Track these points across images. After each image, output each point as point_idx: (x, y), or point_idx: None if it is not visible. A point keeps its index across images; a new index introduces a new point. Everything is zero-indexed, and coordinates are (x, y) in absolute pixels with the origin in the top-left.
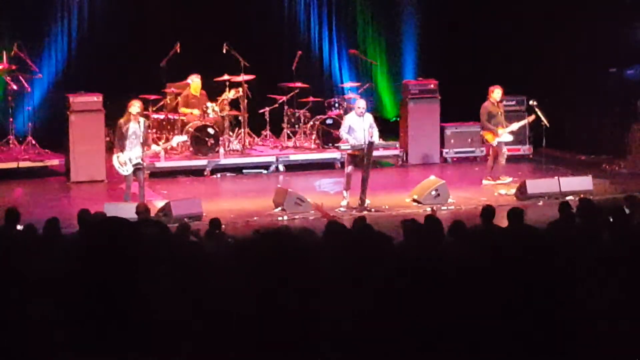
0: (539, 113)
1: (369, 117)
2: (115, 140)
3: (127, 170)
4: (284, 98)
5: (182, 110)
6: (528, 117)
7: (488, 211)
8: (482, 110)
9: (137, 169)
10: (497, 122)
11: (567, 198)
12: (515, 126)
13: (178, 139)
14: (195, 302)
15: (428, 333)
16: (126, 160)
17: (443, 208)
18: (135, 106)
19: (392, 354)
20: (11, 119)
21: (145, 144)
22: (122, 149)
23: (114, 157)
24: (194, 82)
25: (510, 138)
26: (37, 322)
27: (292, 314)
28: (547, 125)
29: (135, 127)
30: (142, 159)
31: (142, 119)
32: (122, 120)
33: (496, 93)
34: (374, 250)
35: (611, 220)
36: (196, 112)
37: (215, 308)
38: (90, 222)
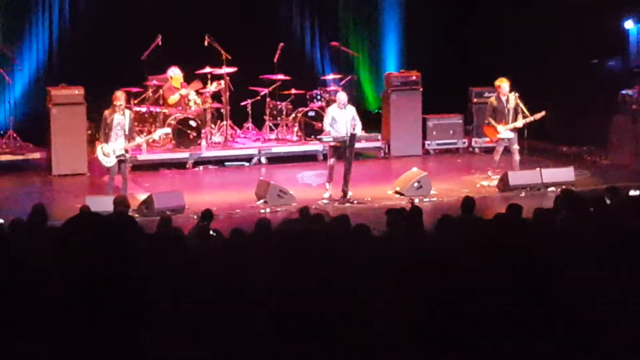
0: (522, 106)
1: (351, 109)
2: (100, 131)
3: (110, 161)
4: (266, 90)
5: (172, 99)
6: (536, 115)
7: (468, 202)
8: (487, 105)
9: (120, 161)
10: (501, 118)
11: (549, 189)
12: (519, 123)
13: (161, 132)
14: (182, 295)
15: (415, 326)
16: (110, 151)
17: (425, 200)
18: (121, 98)
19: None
20: None
21: (129, 136)
22: (106, 140)
23: (98, 147)
24: (175, 74)
25: (511, 135)
26: (27, 316)
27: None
28: (536, 119)
29: (120, 119)
30: (125, 151)
31: (127, 111)
32: (107, 112)
33: (503, 87)
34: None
35: (592, 210)
36: (178, 95)
37: (201, 301)
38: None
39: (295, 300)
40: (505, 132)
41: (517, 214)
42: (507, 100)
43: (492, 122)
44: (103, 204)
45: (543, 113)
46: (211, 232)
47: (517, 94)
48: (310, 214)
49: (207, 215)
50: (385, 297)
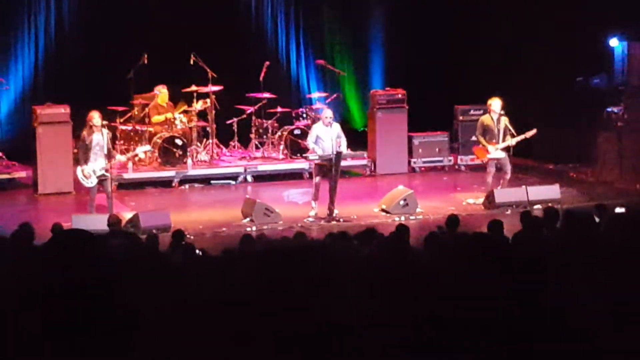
0: (510, 127)
1: (336, 127)
2: (79, 153)
3: (91, 182)
4: (252, 109)
5: (155, 119)
6: (527, 132)
7: (453, 220)
8: (478, 124)
9: (102, 180)
10: (491, 137)
11: (535, 207)
12: (512, 141)
13: (142, 149)
14: (164, 312)
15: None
16: (90, 172)
17: (411, 217)
18: (96, 117)
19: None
20: None
21: (109, 155)
22: (86, 161)
23: (78, 169)
24: (162, 92)
25: (502, 155)
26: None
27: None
28: (527, 137)
29: (98, 139)
30: (106, 170)
31: (105, 130)
32: (84, 132)
33: (494, 105)
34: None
35: (581, 228)
36: (163, 117)
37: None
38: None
39: (279, 317)
40: (495, 152)
41: (499, 229)
42: (498, 120)
43: (483, 142)
44: (89, 222)
45: (534, 131)
46: (197, 251)
47: (506, 117)
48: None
49: (177, 235)
50: (370, 313)
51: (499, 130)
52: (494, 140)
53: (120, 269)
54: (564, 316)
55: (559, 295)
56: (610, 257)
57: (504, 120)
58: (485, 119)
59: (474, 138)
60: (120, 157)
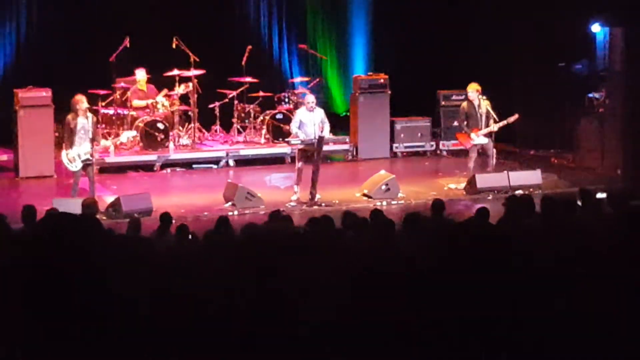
0: (492, 112)
1: (319, 112)
2: (64, 136)
3: (75, 166)
4: (234, 93)
5: (135, 103)
6: (509, 118)
7: (438, 205)
8: (460, 110)
9: (86, 164)
10: (474, 124)
11: (516, 192)
12: (495, 127)
13: (127, 134)
14: (154, 300)
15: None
16: (75, 156)
17: (393, 202)
18: (82, 102)
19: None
20: None
21: (94, 139)
22: (71, 144)
23: (63, 153)
24: (140, 76)
25: (485, 140)
26: None
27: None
28: (509, 122)
29: (83, 123)
30: (91, 155)
31: (90, 115)
32: (70, 116)
33: (470, 91)
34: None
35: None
36: (144, 103)
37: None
38: (36, 218)
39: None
40: (478, 138)
41: (485, 217)
42: (479, 106)
43: (466, 129)
44: (70, 206)
45: (516, 116)
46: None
47: (487, 100)
48: (280, 216)
49: (165, 218)
50: (349, 299)
51: (480, 115)
52: (476, 127)
53: (104, 255)
54: (547, 308)
55: (545, 286)
56: (594, 245)
57: (485, 105)
58: (466, 105)
59: (455, 124)
60: (105, 142)
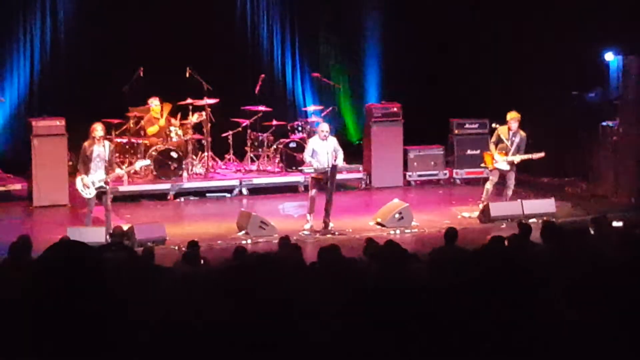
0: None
1: (332, 140)
2: (79, 163)
3: (90, 193)
4: (247, 122)
5: (150, 130)
6: (535, 154)
7: (451, 233)
8: (495, 133)
9: (101, 192)
10: (502, 149)
11: (530, 221)
12: (517, 158)
13: (141, 163)
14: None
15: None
16: (89, 183)
17: (407, 231)
18: (98, 130)
19: None
20: None
21: (109, 167)
22: (86, 171)
23: (78, 179)
24: (154, 105)
25: (506, 167)
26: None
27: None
28: (533, 158)
29: (100, 150)
30: (105, 183)
31: (107, 142)
32: (86, 143)
33: (512, 122)
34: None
35: (575, 241)
36: (157, 127)
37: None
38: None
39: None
40: (501, 162)
41: (500, 244)
42: (515, 134)
43: (493, 149)
44: (84, 235)
45: (542, 154)
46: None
47: (525, 133)
48: (289, 243)
49: (193, 245)
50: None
51: (512, 142)
52: (504, 152)
53: (117, 282)
54: (554, 331)
55: (551, 309)
56: (603, 271)
57: (521, 136)
58: (502, 130)
59: (469, 152)
60: (119, 171)
